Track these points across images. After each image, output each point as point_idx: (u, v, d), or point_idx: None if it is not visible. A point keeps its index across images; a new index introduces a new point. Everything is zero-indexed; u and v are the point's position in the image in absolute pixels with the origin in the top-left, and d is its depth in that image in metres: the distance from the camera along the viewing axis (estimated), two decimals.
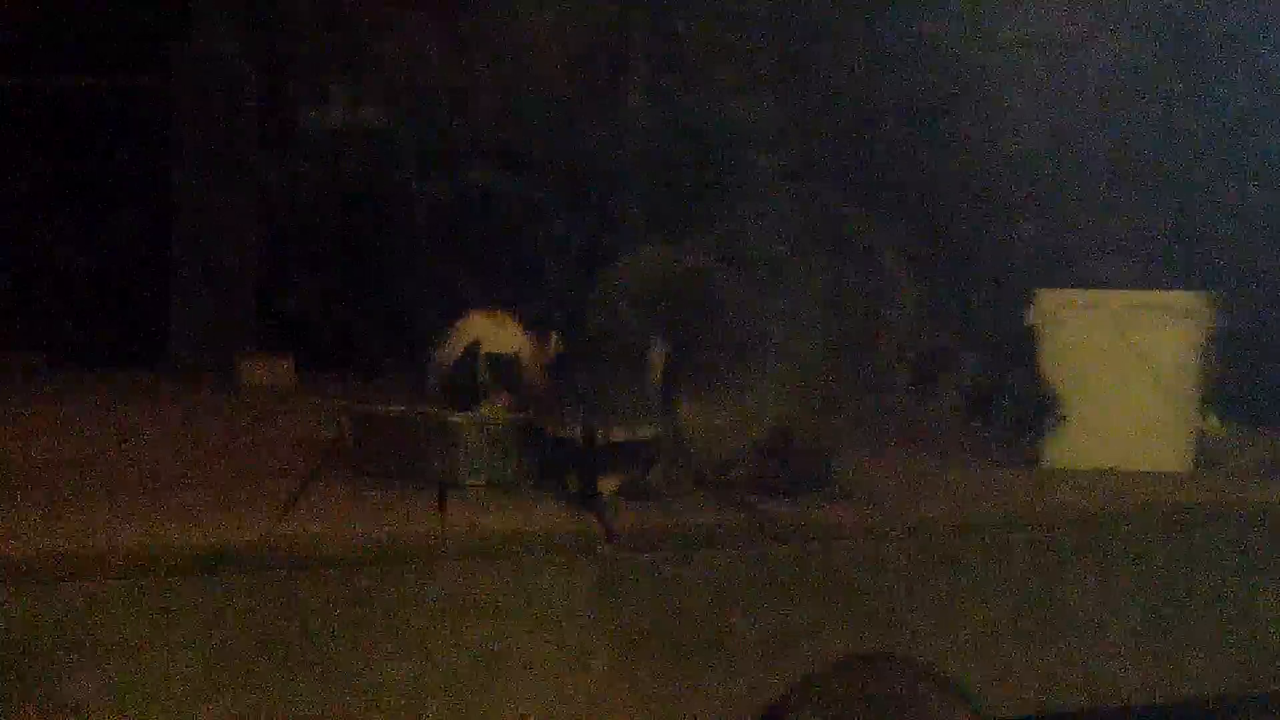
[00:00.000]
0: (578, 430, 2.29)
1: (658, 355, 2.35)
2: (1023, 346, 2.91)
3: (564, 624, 2.03)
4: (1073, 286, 2.91)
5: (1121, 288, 2.87)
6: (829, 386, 2.43)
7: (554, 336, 2.58)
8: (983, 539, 2.25)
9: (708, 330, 2.39)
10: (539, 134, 5.19)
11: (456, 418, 2.49)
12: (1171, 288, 2.85)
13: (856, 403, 2.49)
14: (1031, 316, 2.91)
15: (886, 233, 2.53)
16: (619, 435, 2.30)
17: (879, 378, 2.52)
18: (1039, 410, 2.65)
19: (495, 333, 2.67)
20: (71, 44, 5.87)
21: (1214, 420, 2.86)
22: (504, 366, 2.62)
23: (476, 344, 2.64)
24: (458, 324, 2.72)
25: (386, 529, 2.08)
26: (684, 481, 2.40)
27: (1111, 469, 2.73)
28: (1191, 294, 2.82)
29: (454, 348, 2.68)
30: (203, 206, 5.68)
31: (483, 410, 2.58)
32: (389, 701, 1.96)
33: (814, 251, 2.46)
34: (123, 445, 3.18)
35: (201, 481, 2.59)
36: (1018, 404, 2.60)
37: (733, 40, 4.47)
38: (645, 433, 2.32)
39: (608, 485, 2.29)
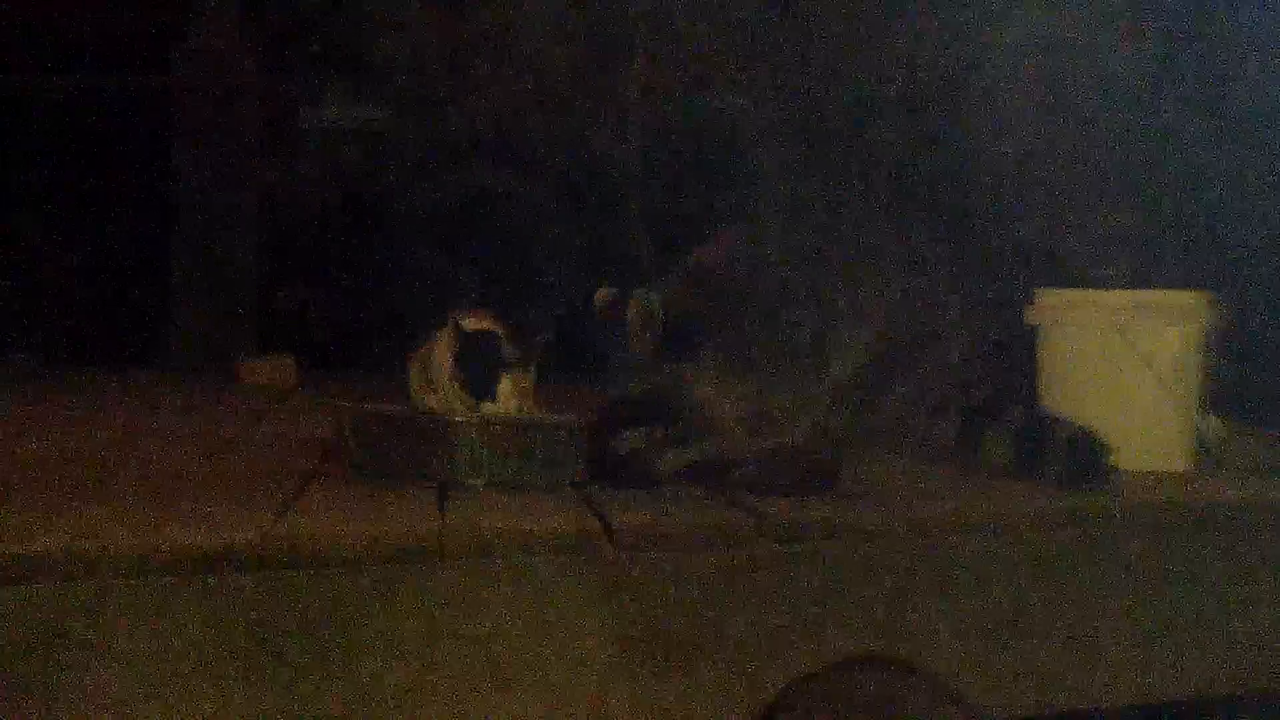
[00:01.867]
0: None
1: (636, 305, 2.36)
2: (1023, 346, 2.91)
3: (564, 624, 2.03)
4: (1073, 286, 2.91)
5: (1121, 288, 2.87)
6: (865, 406, 2.41)
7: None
8: (983, 539, 2.25)
9: (756, 320, 2.38)
10: (539, 134, 5.19)
11: (458, 417, 2.49)
12: (1171, 288, 2.85)
13: (899, 433, 2.47)
14: (1031, 316, 2.91)
15: (945, 266, 2.52)
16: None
17: (924, 420, 2.51)
18: (1090, 462, 2.58)
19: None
20: (71, 44, 5.87)
21: (1214, 420, 2.85)
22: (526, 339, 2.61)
23: (477, 337, 2.63)
24: (444, 327, 2.71)
25: (386, 529, 2.08)
26: (681, 468, 2.38)
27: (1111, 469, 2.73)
28: (1191, 294, 2.82)
29: (443, 350, 2.67)
30: (203, 206, 5.68)
31: (484, 409, 2.58)
32: (389, 702, 1.96)
33: (872, 266, 2.44)
34: (121, 445, 3.18)
35: (201, 481, 2.59)
36: (1068, 458, 2.55)
37: (732, 39, 4.47)
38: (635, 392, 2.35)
39: (625, 445, 2.32)
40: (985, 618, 2.22)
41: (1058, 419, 2.63)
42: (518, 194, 5.22)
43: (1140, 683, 2.31)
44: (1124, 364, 2.77)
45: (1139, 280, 2.96)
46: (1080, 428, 2.60)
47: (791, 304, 2.38)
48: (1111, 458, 2.57)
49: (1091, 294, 2.86)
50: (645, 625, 2.07)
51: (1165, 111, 3.60)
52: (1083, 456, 2.56)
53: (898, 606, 2.18)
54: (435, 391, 2.65)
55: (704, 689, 2.08)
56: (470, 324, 2.63)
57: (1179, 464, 2.78)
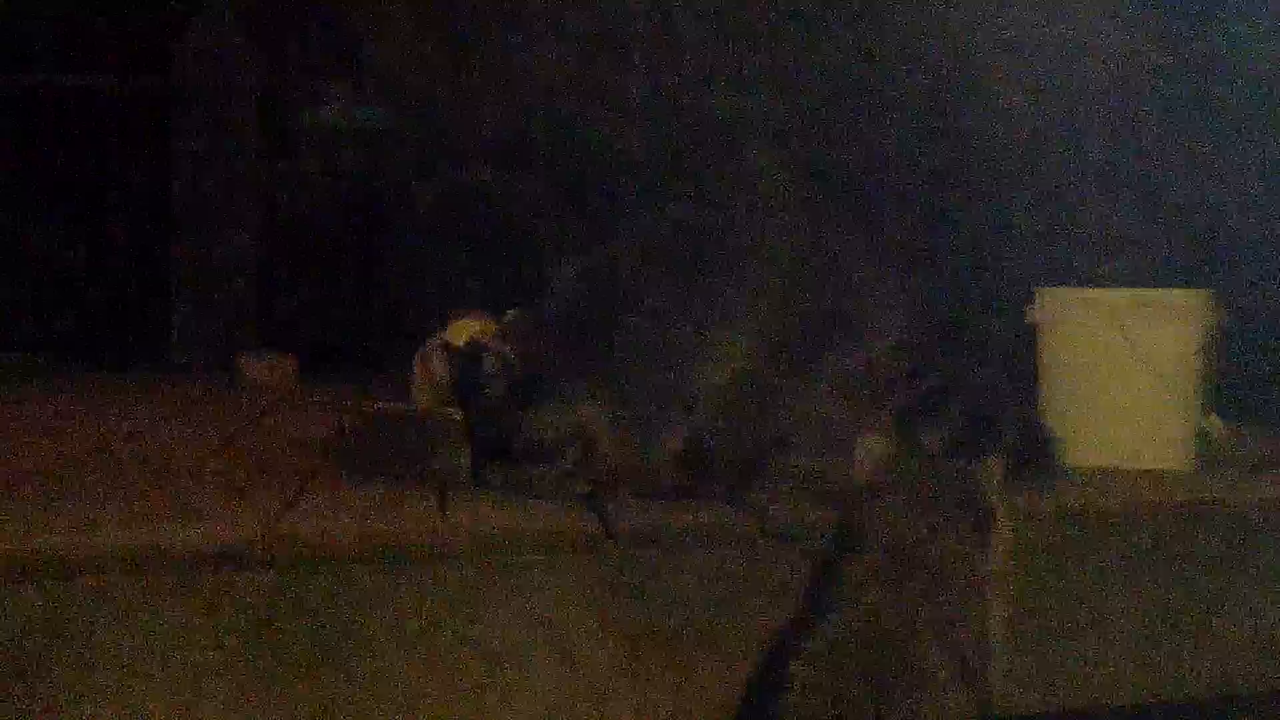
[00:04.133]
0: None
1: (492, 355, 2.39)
2: (1022, 346, 2.91)
3: (564, 624, 2.03)
4: (1073, 286, 2.91)
5: (1121, 287, 2.87)
6: (771, 393, 2.39)
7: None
8: None
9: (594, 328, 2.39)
10: (539, 133, 5.19)
11: (458, 416, 2.49)
12: (1171, 287, 2.85)
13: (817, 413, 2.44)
14: (1032, 315, 2.91)
15: (878, 249, 2.50)
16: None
17: (856, 404, 2.48)
18: (1031, 455, 2.57)
19: (482, 335, 2.67)
20: (71, 44, 5.87)
21: (1214, 420, 2.85)
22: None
23: (479, 343, 2.64)
24: (445, 328, 2.72)
25: (386, 529, 2.08)
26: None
27: (1111, 468, 2.73)
28: (1191, 293, 2.82)
29: (443, 351, 2.67)
30: (203, 206, 5.68)
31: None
32: (389, 701, 1.96)
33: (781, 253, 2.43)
34: (122, 444, 3.18)
35: (202, 481, 2.59)
36: (1009, 450, 2.54)
37: (731, 37, 4.47)
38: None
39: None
40: (985, 617, 2.22)
41: (1000, 412, 2.61)
42: (515, 194, 5.22)
43: (1140, 682, 2.31)
44: (1124, 363, 2.77)
45: (1139, 280, 2.96)
46: (1022, 421, 2.59)
47: (655, 313, 2.39)
48: (1054, 453, 2.57)
49: (1091, 293, 2.86)
50: (645, 625, 2.06)
51: (1166, 110, 3.60)
52: (1023, 451, 2.56)
53: None
54: (436, 391, 2.65)
55: (704, 688, 2.08)
56: (465, 326, 2.64)
57: (1179, 463, 2.78)
